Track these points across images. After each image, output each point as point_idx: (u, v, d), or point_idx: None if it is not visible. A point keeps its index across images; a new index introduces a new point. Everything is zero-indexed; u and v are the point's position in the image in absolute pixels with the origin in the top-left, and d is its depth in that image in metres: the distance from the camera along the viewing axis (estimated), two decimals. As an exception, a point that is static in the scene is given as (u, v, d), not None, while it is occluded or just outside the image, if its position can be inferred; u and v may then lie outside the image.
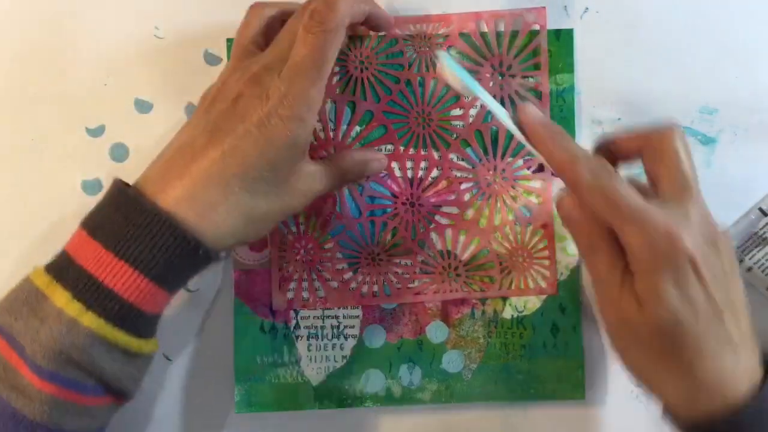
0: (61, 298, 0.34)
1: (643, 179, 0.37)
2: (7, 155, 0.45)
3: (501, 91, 0.45)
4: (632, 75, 0.45)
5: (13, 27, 0.44)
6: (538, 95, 0.45)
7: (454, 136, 0.45)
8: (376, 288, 0.45)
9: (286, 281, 0.45)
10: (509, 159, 0.45)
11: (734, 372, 0.33)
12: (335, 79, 0.44)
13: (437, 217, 0.45)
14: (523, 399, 0.45)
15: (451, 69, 0.37)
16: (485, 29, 0.45)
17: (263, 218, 0.37)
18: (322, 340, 0.45)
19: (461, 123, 0.45)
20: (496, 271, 0.45)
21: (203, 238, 0.35)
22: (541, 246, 0.45)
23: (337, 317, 0.45)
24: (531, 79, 0.45)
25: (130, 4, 0.45)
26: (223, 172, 0.35)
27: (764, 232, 0.45)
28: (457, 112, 0.45)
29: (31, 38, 0.45)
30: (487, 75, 0.45)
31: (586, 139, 0.45)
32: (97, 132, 0.45)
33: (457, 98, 0.44)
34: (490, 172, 0.45)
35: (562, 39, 0.45)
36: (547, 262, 0.45)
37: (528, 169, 0.45)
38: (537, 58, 0.45)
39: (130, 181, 0.37)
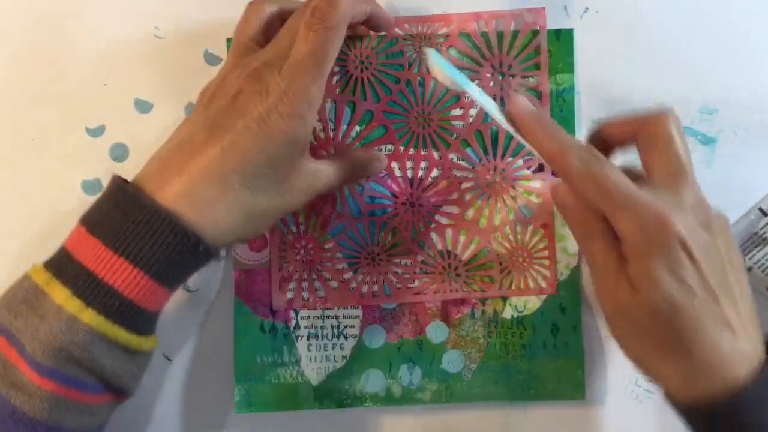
0: (60, 295, 0.34)
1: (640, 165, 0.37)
2: (7, 155, 0.45)
3: (501, 91, 0.45)
4: (632, 75, 0.45)
5: (13, 27, 0.45)
6: (538, 95, 0.45)
7: (454, 136, 0.45)
8: (376, 288, 0.45)
9: (286, 281, 0.45)
10: (509, 159, 0.45)
11: (732, 355, 0.33)
12: (335, 78, 0.44)
13: (437, 217, 0.45)
14: (523, 399, 0.45)
15: (438, 66, 0.37)
16: (485, 29, 0.45)
17: (263, 215, 0.37)
18: (322, 340, 0.45)
19: (461, 123, 0.45)
20: (496, 271, 0.45)
21: (203, 235, 0.35)
22: (541, 246, 0.45)
23: (337, 317, 0.45)
24: (531, 79, 0.45)
25: (130, 4, 0.45)
26: (222, 169, 0.35)
27: (764, 232, 0.45)
28: (457, 112, 0.45)
29: (31, 38, 0.45)
30: (487, 75, 0.45)
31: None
32: (97, 132, 0.45)
33: (457, 98, 0.45)
34: (490, 172, 0.45)
35: (562, 39, 0.45)
36: (547, 262, 0.45)
37: (528, 169, 0.45)
38: (537, 58, 0.45)
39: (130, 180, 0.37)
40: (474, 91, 0.37)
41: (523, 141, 0.36)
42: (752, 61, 0.46)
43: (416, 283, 0.45)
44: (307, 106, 0.36)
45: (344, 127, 0.44)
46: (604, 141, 0.38)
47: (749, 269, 0.45)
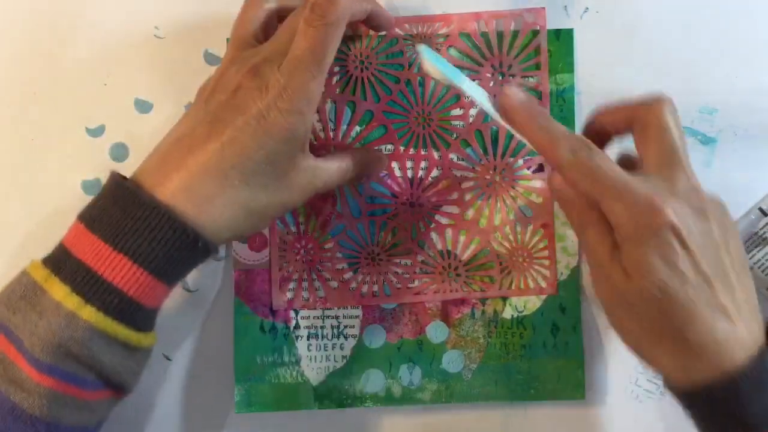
0: (59, 292, 0.34)
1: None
2: (7, 155, 0.45)
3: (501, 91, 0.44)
4: (632, 75, 0.45)
5: (13, 27, 0.45)
6: (538, 95, 0.45)
7: (454, 136, 0.45)
8: (376, 288, 0.45)
9: (286, 281, 0.45)
10: (509, 159, 0.45)
11: (728, 340, 0.33)
12: (335, 79, 0.44)
13: (437, 217, 0.45)
14: (523, 399, 0.45)
15: (431, 62, 0.37)
16: (485, 29, 0.45)
17: (262, 212, 0.37)
18: (322, 340, 0.45)
19: (461, 123, 0.45)
20: (496, 271, 0.45)
21: (202, 231, 0.35)
22: (541, 246, 0.45)
23: (337, 317, 0.45)
24: (531, 79, 0.45)
25: (130, 4, 0.45)
26: (221, 165, 0.35)
27: (764, 232, 0.45)
28: (457, 112, 0.45)
29: (31, 38, 0.45)
30: (488, 75, 0.45)
31: (586, 138, 0.45)
32: (97, 132, 0.45)
33: (457, 98, 0.45)
34: (490, 172, 0.45)
35: (562, 39, 0.45)
36: (547, 262, 0.45)
37: (528, 169, 0.45)
38: (537, 58, 0.45)
39: (130, 179, 0.37)
40: (467, 86, 0.37)
41: (515, 133, 0.37)
42: (752, 61, 0.46)
43: (416, 283, 0.45)
44: (306, 103, 0.36)
45: (344, 127, 0.44)
46: (600, 130, 0.38)
47: (749, 269, 0.45)
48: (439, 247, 0.45)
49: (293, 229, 0.45)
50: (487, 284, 0.45)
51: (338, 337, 0.45)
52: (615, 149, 0.39)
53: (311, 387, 0.45)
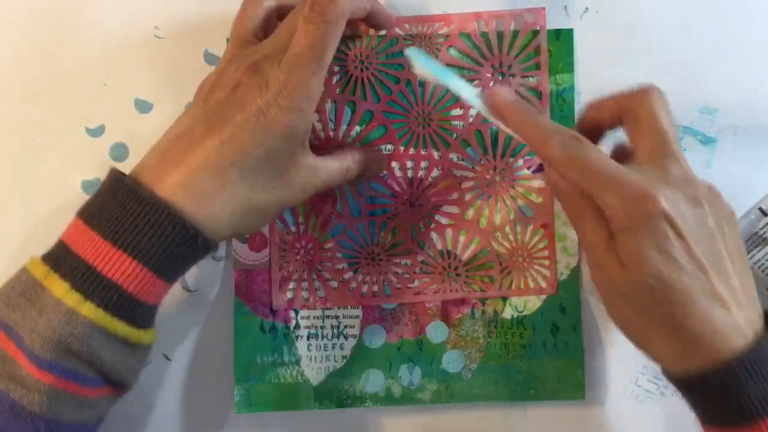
0: (59, 288, 0.34)
1: None
2: (7, 155, 0.45)
3: (501, 91, 0.45)
4: (632, 75, 0.45)
5: (13, 27, 0.45)
6: (538, 95, 0.45)
7: (454, 136, 0.45)
8: (376, 288, 0.45)
9: (286, 281, 0.45)
10: (509, 159, 0.45)
11: (724, 328, 0.33)
12: (335, 78, 0.44)
13: (437, 217, 0.45)
14: (523, 399, 0.45)
15: (419, 62, 0.37)
16: (485, 29, 0.45)
17: (261, 209, 0.37)
18: (322, 340, 0.45)
19: (461, 123, 0.45)
20: (496, 271, 0.45)
21: (201, 227, 0.35)
22: (541, 246, 0.45)
23: (337, 317, 0.45)
24: (531, 79, 0.45)
25: (130, 4, 0.45)
26: (220, 162, 0.35)
27: (764, 232, 0.45)
28: (457, 112, 0.45)
29: (31, 38, 0.45)
30: (488, 75, 0.45)
31: (585, 138, 0.45)
32: (97, 132, 0.45)
33: (457, 98, 0.44)
34: (490, 172, 0.45)
35: (562, 39, 0.45)
36: (547, 262, 0.45)
37: (528, 169, 0.45)
38: (537, 58, 0.45)
39: (130, 179, 0.37)
40: (455, 84, 0.38)
41: (507, 130, 0.37)
42: (752, 61, 0.46)
43: (416, 283, 0.45)
44: (306, 100, 0.36)
45: (344, 127, 0.44)
46: (592, 125, 0.38)
47: (746, 255, 0.44)
48: (439, 247, 0.45)
49: (293, 228, 0.45)
50: (487, 284, 0.45)
51: (338, 337, 0.45)
52: (610, 142, 0.39)
53: (311, 387, 0.45)
